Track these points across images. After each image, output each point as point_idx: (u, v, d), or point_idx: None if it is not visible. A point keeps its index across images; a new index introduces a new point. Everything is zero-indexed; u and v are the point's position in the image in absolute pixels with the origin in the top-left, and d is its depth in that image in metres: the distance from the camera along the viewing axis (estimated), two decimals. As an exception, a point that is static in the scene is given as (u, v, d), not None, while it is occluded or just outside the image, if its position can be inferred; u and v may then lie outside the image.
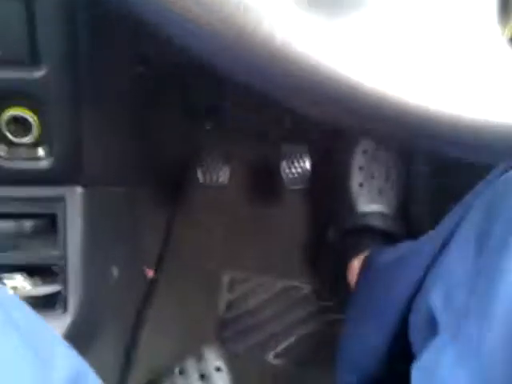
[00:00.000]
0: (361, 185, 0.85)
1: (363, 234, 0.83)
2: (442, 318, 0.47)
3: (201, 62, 0.29)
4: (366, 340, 0.69)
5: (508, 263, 0.36)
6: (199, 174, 0.94)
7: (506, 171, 0.43)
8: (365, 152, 0.86)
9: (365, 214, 0.83)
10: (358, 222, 0.83)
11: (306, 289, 0.93)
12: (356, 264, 0.79)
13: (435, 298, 0.49)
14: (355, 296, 0.75)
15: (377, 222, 0.82)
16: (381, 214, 0.83)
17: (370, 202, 0.84)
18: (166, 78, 0.86)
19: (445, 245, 0.50)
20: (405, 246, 0.64)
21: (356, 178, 0.85)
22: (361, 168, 0.85)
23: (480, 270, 0.40)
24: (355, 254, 0.81)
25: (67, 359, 0.40)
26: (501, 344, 0.35)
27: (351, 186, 0.85)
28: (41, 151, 0.55)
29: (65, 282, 0.57)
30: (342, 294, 0.85)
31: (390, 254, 0.67)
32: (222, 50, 0.28)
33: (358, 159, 0.85)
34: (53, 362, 0.38)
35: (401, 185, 0.86)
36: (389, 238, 0.82)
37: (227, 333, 0.89)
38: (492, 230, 0.40)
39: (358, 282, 0.77)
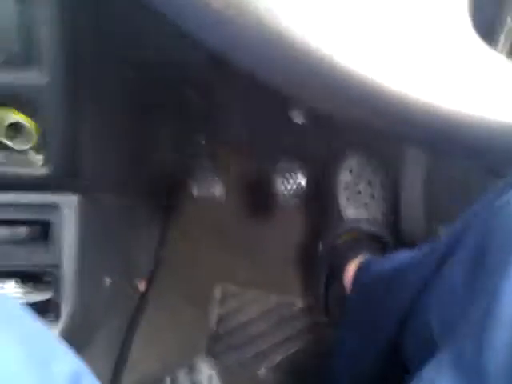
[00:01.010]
0: (348, 199, 0.88)
1: (353, 241, 0.85)
2: (441, 339, 0.46)
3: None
4: (359, 352, 0.68)
5: (505, 285, 0.36)
6: (194, 188, 0.94)
7: (503, 191, 0.43)
8: (350, 171, 0.90)
9: (353, 220, 0.86)
10: (346, 226, 0.86)
11: (299, 304, 0.93)
12: (351, 269, 0.79)
13: (433, 318, 0.49)
14: (349, 307, 0.75)
15: (365, 226, 0.84)
16: (369, 220, 0.85)
17: (358, 212, 0.87)
18: (163, 90, 0.86)
19: (443, 261, 0.50)
20: (401, 258, 0.64)
21: (343, 194, 0.89)
22: (347, 184, 0.89)
23: (477, 293, 0.40)
24: (348, 260, 0.81)
25: (68, 359, 0.40)
26: (501, 366, 0.34)
27: (339, 201, 0.88)
28: (38, 158, 0.55)
29: (58, 290, 0.57)
30: (334, 309, 0.85)
31: (385, 264, 0.67)
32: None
33: (344, 177, 0.89)
34: (53, 361, 0.37)
35: (388, 202, 0.89)
36: (380, 244, 0.84)
37: (218, 347, 0.88)
38: (488, 252, 0.40)
39: (351, 291, 0.77)
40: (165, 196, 0.98)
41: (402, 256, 0.65)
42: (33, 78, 0.50)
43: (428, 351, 0.48)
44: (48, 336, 0.39)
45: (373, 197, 0.88)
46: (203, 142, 0.95)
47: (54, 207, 0.58)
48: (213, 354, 0.87)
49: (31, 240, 0.58)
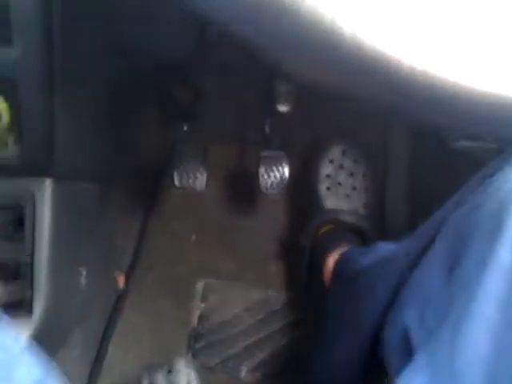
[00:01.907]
0: (328, 188, 0.87)
1: (333, 232, 0.83)
2: (417, 340, 0.47)
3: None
4: (339, 350, 0.68)
5: (482, 287, 0.36)
6: (175, 178, 0.90)
7: (475, 192, 0.43)
8: (331, 161, 0.89)
9: (332, 211, 0.84)
10: (325, 217, 0.84)
11: (281, 299, 0.91)
12: (330, 262, 0.78)
13: (410, 317, 0.49)
14: (329, 302, 0.74)
15: (344, 217, 0.83)
16: (348, 211, 0.84)
17: (338, 202, 0.86)
18: (145, 77, 0.83)
19: (419, 258, 0.50)
20: (381, 251, 0.63)
21: (323, 185, 0.87)
22: (328, 176, 0.88)
23: (452, 295, 0.41)
24: (327, 253, 0.79)
25: (31, 367, 0.38)
26: (474, 369, 0.35)
27: (319, 192, 0.87)
28: (9, 140, 0.51)
29: (31, 282, 0.53)
30: (315, 305, 0.83)
31: (363, 258, 0.66)
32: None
33: (326, 167, 0.88)
34: (15, 368, 0.35)
35: (370, 193, 0.88)
36: (360, 235, 0.82)
37: (200, 345, 0.85)
38: (463, 257, 0.41)
39: (330, 285, 0.75)
40: (146, 186, 0.95)
41: (381, 249, 0.65)
42: (4, 52, 0.47)
43: (406, 349, 0.47)
44: (11, 340, 0.36)
45: (354, 188, 0.87)
46: (185, 129, 0.92)
47: (26, 193, 0.54)
48: (194, 352, 0.84)
49: (3, 228, 0.54)
